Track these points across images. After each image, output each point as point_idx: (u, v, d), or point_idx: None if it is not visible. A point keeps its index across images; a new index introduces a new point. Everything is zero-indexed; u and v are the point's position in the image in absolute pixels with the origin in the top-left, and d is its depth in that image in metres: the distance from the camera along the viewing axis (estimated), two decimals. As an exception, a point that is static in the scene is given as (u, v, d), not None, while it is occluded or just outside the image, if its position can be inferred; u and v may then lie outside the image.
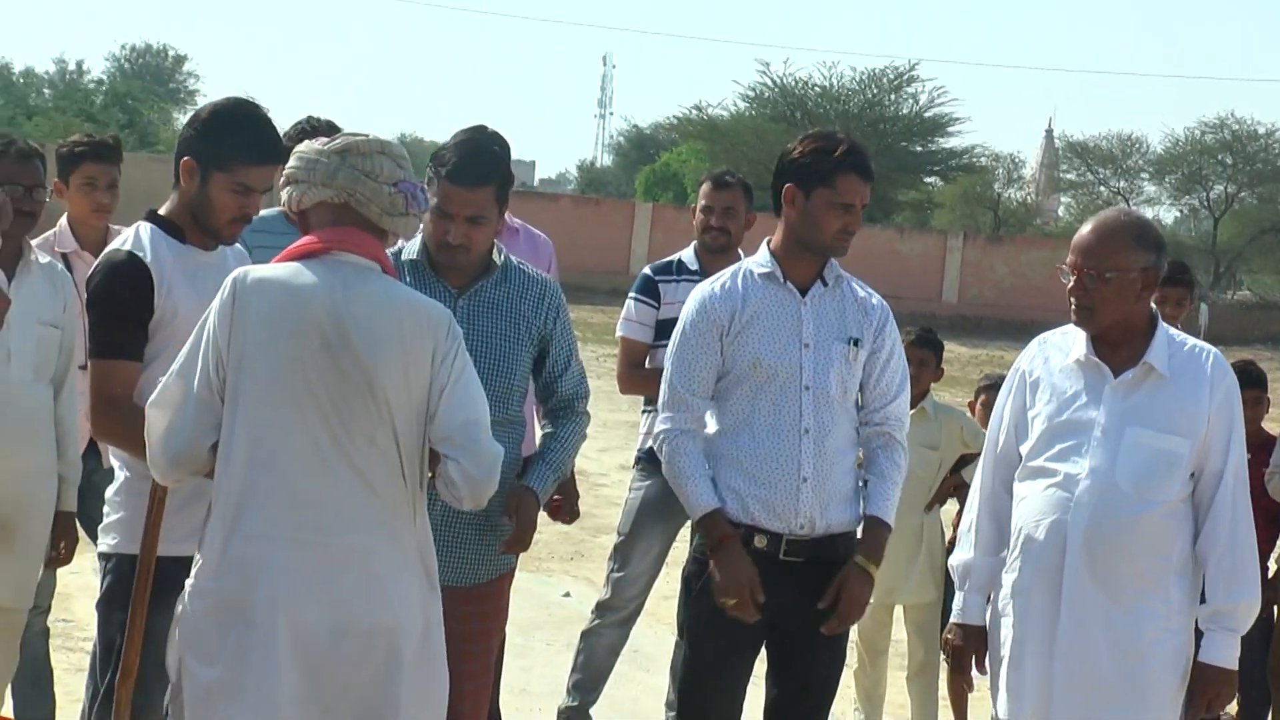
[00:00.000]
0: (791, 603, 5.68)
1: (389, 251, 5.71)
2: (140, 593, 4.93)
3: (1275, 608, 8.23)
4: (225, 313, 4.60)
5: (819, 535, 5.69)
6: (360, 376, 4.57)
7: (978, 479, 5.80)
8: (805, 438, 5.67)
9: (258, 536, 4.58)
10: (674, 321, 7.66)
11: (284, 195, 4.83)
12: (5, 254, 6.26)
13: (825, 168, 5.73)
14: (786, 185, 5.79)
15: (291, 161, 4.80)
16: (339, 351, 4.57)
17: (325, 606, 4.57)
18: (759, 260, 5.88)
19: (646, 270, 8.35)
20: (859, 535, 5.78)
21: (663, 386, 5.96)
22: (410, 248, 5.76)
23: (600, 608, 8.29)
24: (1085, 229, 5.56)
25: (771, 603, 5.66)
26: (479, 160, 5.64)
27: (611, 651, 8.29)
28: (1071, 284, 5.46)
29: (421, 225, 5.64)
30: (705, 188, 8.39)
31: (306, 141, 4.81)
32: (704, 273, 7.88)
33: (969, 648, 5.69)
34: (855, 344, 5.76)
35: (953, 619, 5.78)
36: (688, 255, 8.30)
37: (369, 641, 4.60)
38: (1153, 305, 5.59)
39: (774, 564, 5.65)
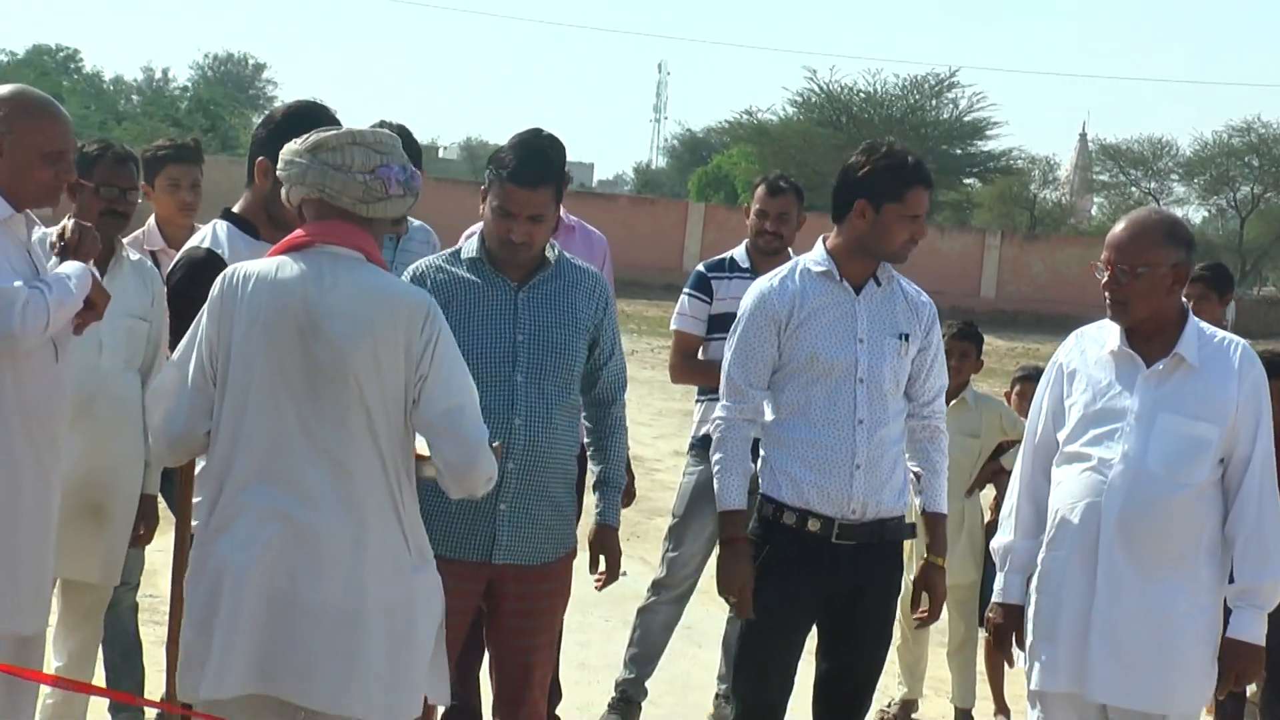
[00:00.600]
0: (842, 584, 5.73)
1: (450, 251, 5.81)
2: (179, 566, 5.04)
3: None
4: (214, 307, 4.71)
5: (869, 520, 5.70)
6: (332, 363, 4.62)
7: (1017, 466, 5.80)
8: (860, 428, 5.69)
9: (233, 512, 4.66)
10: (726, 316, 7.73)
11: (282, 195, 4.90)
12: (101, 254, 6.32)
13: (895, 183, 5.75)
14: (857, 200, 5.78)
15: (285, 152, 4.83)
16: (311, 339, 4.62)
17: (284, 581, 4.62)
18: (815, 259, 5.88)
19: (700, 267, 8.34)
20: (928, 533, 5.89)
21: (723, 377, 5.98)
22: (469, 246, 5.80)
23: (656, 586, 8.31)
24: (1119, 227, 5.56)
25: (824, 584, 5.72)
26: (537, 161, 5.65)
27: (666, 627, 8.30)
28: (1106, 279, 5.45)
29: (480, 224, 5.77)
30: (760, 192, 8.34)
31: (288, 143, 4.81)
32: (755, 271, 7.89)
33: (1009, 625, 5.68)
34: (906, 339, 5.79)
35: (994, 598, 5.77)
36: (739, 253, 8.28)
37: (321, 618, 4.62)
38: (1184, 299, 5.58)
39: (826, 546, 5.67)
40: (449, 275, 5.70)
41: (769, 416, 5.87)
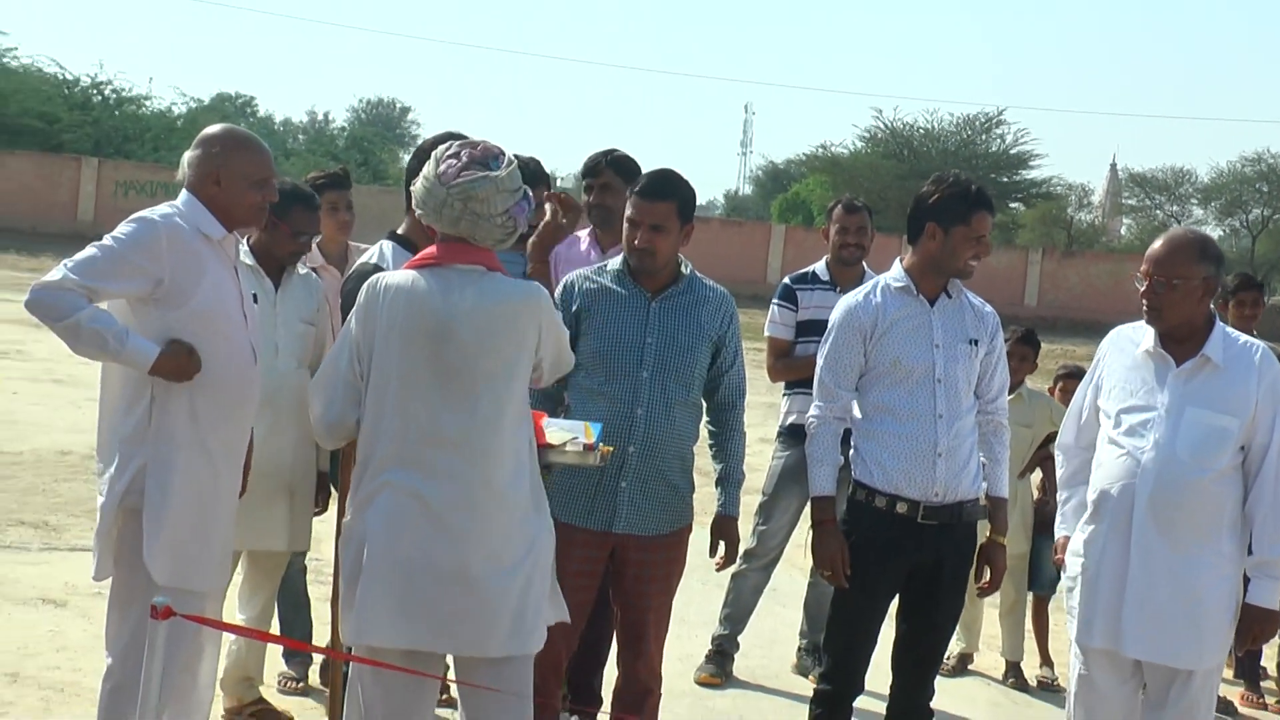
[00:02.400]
0: (925, 559, 5.73)
1: (599, 264, 5.96)
2: (339, 525, 5.05)
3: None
4: (360, 314, 4.81)
5: (950, 502, 5.69)
6: (463, 363, 4.69)
7: (1058, 446, 5.83)
8: (940, 421, 5.69)
9: (375, 486, 4.74)
10: (811, 323, 7.82)
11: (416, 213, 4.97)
12: (274, 270, 6.48)
13: (962, 209, 5.75)
14: (928, 224, 5.78)
15: (416, 187, 4.89)
16: (442, 344, 4.69)
17: (417, 550, 4.68)
18: (894, 276, 5.87)
19: (786, 280, 8.34)
20: (989, 515, 5.85)
21: (815, 380, 5.99)
22: (615, 261, 5.87)
23: (747, 555, 8.27)
24: (1157, 244, 5.54)
25: (910, 559, 5.74)
26: (661, 181, 5.77)
27: (756, 590, 8.32)
28: (1144, 289, 5.44)
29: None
30: (838, 212, 8.36)
31: (424, 169, 4.86)
32: (834, 282, 7.98)
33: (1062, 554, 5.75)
34: (974, 344, 5.79)
35: (1058, 533, 5.82)
36: (820, 267, 8.28)
37: (455, 575, 4.68)
38: (1211, 307, 5.54)
39: (913, 525, 5.67)
40: (595, 284, 5.78)
41: (858, 414, 5.86)
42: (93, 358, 4.93)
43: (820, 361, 5.97)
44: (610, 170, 6.86)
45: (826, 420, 5.89)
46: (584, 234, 6.93)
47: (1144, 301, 5.47)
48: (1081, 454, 5.72)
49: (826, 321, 7.93)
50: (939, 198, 5.79)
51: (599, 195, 6.84)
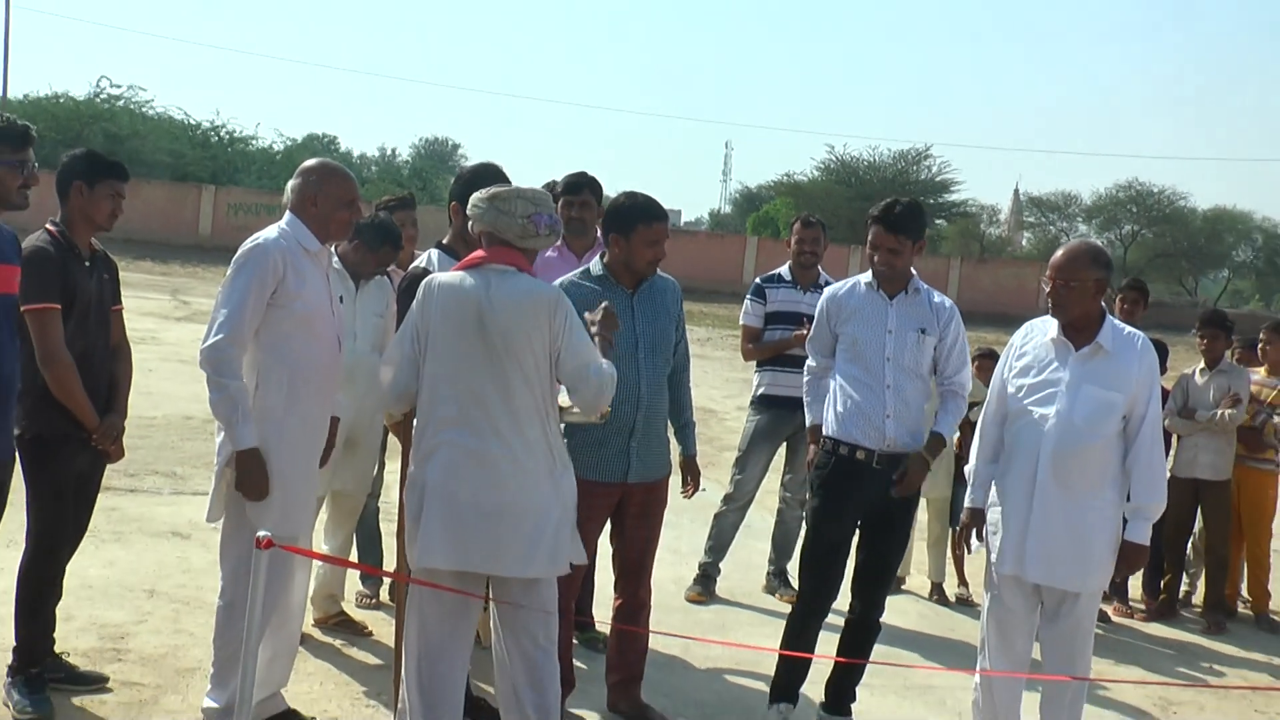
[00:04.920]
0: (878, 497, 5.74)
1: (581, 270, 5.85)
2: (403, 482, 5.03)
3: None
4: (419, 306, 4.84)
5: (897, 452, 5.70)
6: (500, 343, 4.68)
7: (982, 418, 5.74)
8: (888, 390, 5.72)
9: (433, 441, 4.76)
10: (777, 314, 7.95)
11: (469, 226, 4.99)
12: (355, 275, 6.57)
13: (868, 225, 5.83)
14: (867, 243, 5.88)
15: (470, 202, 4.92)
16: (483, 329, 4.70)
17: (468, 488, 4.70)
18: (865, 278, 5.92)
19: (757, 280, 8.35)
20: (926, 444, 5.79)
21: (808, 347, 6.23)
22: (595, 265, 5.79)
23: (726, 499, 8.32)
24: (1059, 253, 5.52)
25: (866, 496, 5.74)
26: (660, 208, 5.76)
27: (734, 527, 8.31)
28: (1049, 289, 5.43)
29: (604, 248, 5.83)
30: (797, 226, 8.38)
31: (475, 191, 4.93)
32: (795, 282, 8.08)
33: (974, 522, 5.65)
34: (924, 333, 5.78)
35: (965, 504, 5.72)
36: (784, 270, 8.29)
37: (496, 511, 4.69)
38: (1103, 303, 5.52)
39: (869, 469, 5.69)
40: (582, 288, 5.65)
41: (833, 381, 5.91)
42: (215, 414, 4.90)
43: (810, 337, 6.15)
44: (588, 191, 6.84)
45: (817, 374, 6.09)
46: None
47: (1050, 299, 5.46)
48: (997, 430, 5.63)
49: (790, 313, 8.05)
50: (880, 214, 5.83)
51: (579, 210, 6.76)
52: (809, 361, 6.14)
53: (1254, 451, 8.75)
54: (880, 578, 5.89)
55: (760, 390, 8.25)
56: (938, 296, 5.91)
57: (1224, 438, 8.73)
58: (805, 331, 7.47)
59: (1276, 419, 8.69)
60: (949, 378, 5.85)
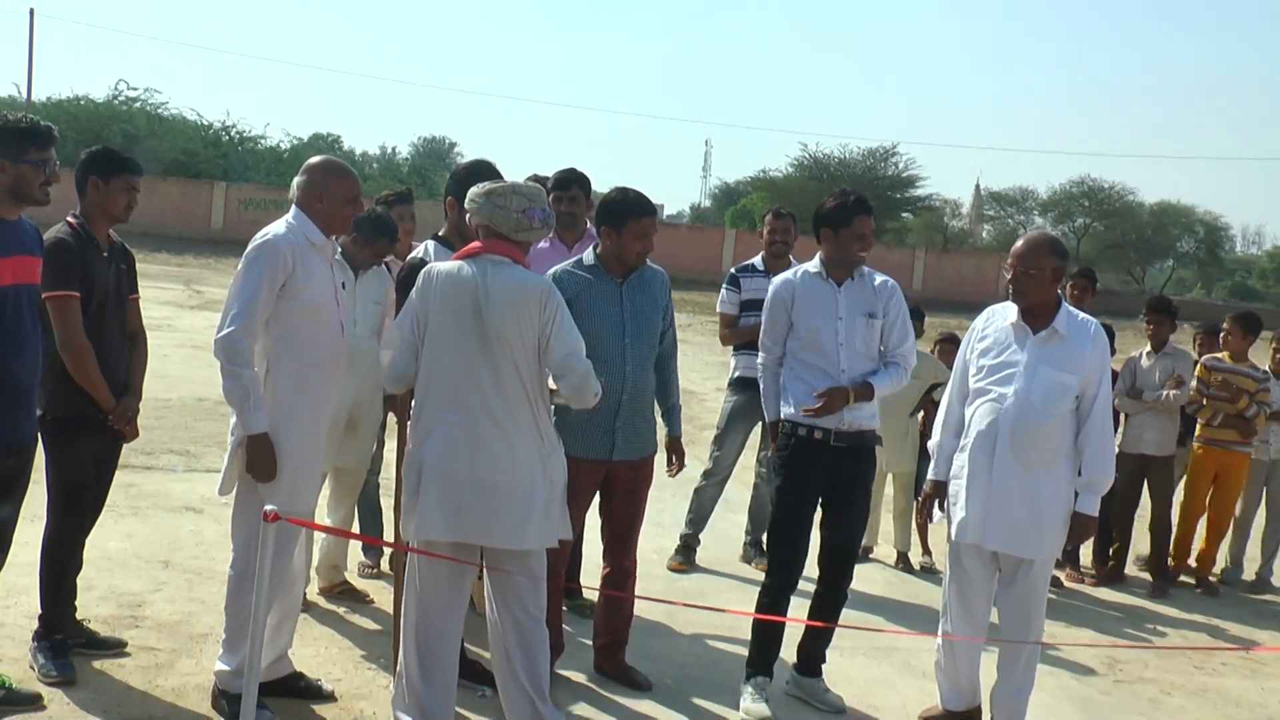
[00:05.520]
0: (838, 474, 5.68)
1: (574, 260, 5.82)
2: (400, 459, 5.06)
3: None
4: (419, 292, 4.81)
5: (853, 431, 5.64)
6: (492, 329, 4.65)
7: (946, 397, 5.76)
8: (843, 375, 5.63)
9: (430, 421, 4.75)
10: (751, 301, 7.89)
11: (467, 219, 4.96)
12: (355, 266, 6.52)
13: (845, 215, 5.70)
14: (824, 229, 5.75)
15: (467, 196, 4.90)
16: (478, 316, 4.67)
17: (464, 465, 4.68)
18: (812, 265, 5.81)
19: (732, 270, 8.31)
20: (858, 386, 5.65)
21: (760, 337, 5.99)
22: (588, 256, 5.77)
23: (705, 474, 8.32)
24: (1020, 243, 5.54)
25: (826, 473, 5.67)
26: (649, 203, 5.76)
27: (712, 500, 8.32)
28: (1010, 276, 5.46)
29: (596, 241, 5.81)
30: (769, 218, 8.38)
31: (473, 186, 4.89)
32: (768, 271, 7.98)
33: (936, 494, 5.67)
34: (872, 316, 5.69)
35: (928, 477, 5.74)
36: (757, 260, 8.26)
37: (489, 487, 4.68)
38: (1059, 291, 5.54)
39: (827, 448, 5.63)
40: (575, 276, 5.65)
41: (789, 367, 5.80)
42: (229, 400, 4.87)
43: (763, 326, 5.95)
44: (577, 186, 6.80)
45: (769, 365, 5.91)
46: None
47: (1011, 285, 5.48)
48: (960, 408, 5.64)
49: (764, 300, 7.96)
50: (827, 208, 5.78)
51: (568, 205, 6.73)
52: (762, 355, 5.96)
53: (1243, 438, 8.77)
54: (845, 552, 5.82)
55: (736, 373, 8.24)
56: (879, 278, 5.83)
57: (1168, 416, 8.78)
58: None
59: (1267, 409, 8.75)
60: (893, 349, 5.76)
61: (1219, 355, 8.91)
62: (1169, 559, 8.89)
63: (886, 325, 5.75)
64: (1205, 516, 9.01)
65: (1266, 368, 8.97)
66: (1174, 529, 8.94)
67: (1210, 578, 8.95)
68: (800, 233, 8.36)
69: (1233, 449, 8.77)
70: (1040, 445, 5.36)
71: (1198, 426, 8.86)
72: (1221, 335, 9.03)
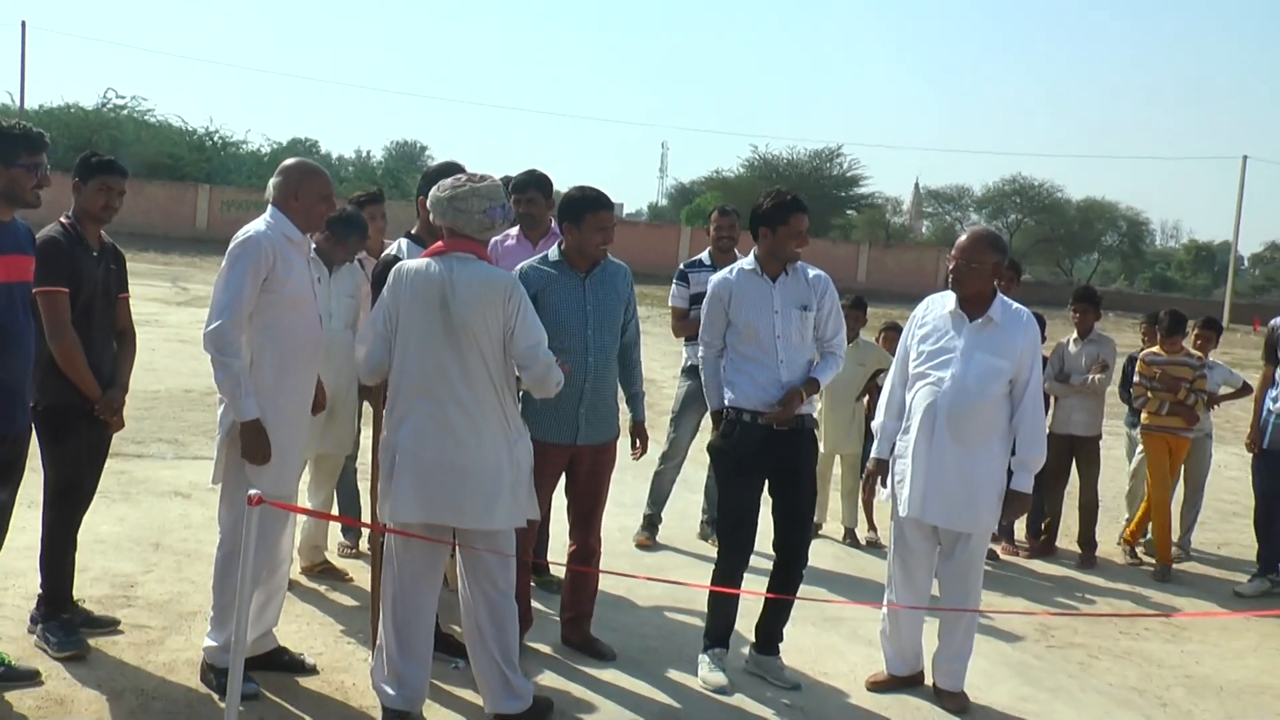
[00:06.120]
0: (781, 456, 5.63)
1: (540, 256, 5.79)
2: (376, 445, 5.06)
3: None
4: (390, 288, 4.80)
5: (793, 416, 5.59)
6: (459, 322, 4.63)
7: (888, 381, 5.77)
8: (781, 365, 5.58)
9: (403, 409, 4.73)
10: (700, 295, 7.78)
11: (431, 219, 4.95)
12: (329, 262, 6.48)
13: (783, 213, 5.64)
14: (761, 227, 5.70)
15: (430, 194, 4.87)
16: (445, 309, 4.65)
17: (434, 450, 4.66)
18: (747, 262, 5.77)
19: (681, 266, 8.22)
20: (804, 382, 5.61)
21: (700, 333, 5.94)
22: (553, 252, 5.73)
23: (663, 457, 8.32)
24: (963, 237, 5.57)
25: (771, 455, 5.62)
26: (605, 198, 5.71)
27: (671, 481, 8.33)
28: (952, 267, 5.49)
29: (561, 237, 5.77)
30: (715, 215, 8.32)
31: (434, 188, 4.85)
32: (715, 266, 7.93)
33: (879, 471, 5.69)
34: (805, 309, 5.64)
35: (872, 456, 5.76)
36: (705, 255, 8.18)
37: (459, 471, 4.66)
38: (995, 283, 5.56)
39: (769, 431, 5.57)
40: (541, 271, 5.62)
41: (730, 359, 5.74)
42: (221, 390, 4.81)
43: (702, 321, 5.91)
44: (534, 188, 6.67)
45: (709, 358, 5.88)
46: (513, 232, 6.70)
47: (951, 275, 5.50)
48: (901, 391, 5.65)
49: None
50: (766, 208, 5.71)
51: (526, 206, 6.62)
52: (703, 348, 5.91)
53: (1188, 425, 8.75)
54: (798, 526, 5.77)
55: (688, 361, 8.23)
56: (812, 272, 5.77)
57: (1094, 399, 8.83)
58: None
59: (1203, 396, 8.76)
60: (828, 340, 5.73)
61: (1155, 350, 8.94)
62: (1142, 544, 8.87)
63: (821, 318, 5.72)
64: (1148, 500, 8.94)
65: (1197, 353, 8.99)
66: (1135, 515, 9.00)
67: (1135, 548, 9.00)
68: (745, 229, 8.34)
69: (1178, 434, 8.76)
70: (976, 425, 5.39)
71: (1144, 416, 8.86)
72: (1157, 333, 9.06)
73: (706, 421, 8.27)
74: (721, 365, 5.81)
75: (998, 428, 5.44)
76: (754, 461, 5.64)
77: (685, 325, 8.09)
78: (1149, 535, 8.90)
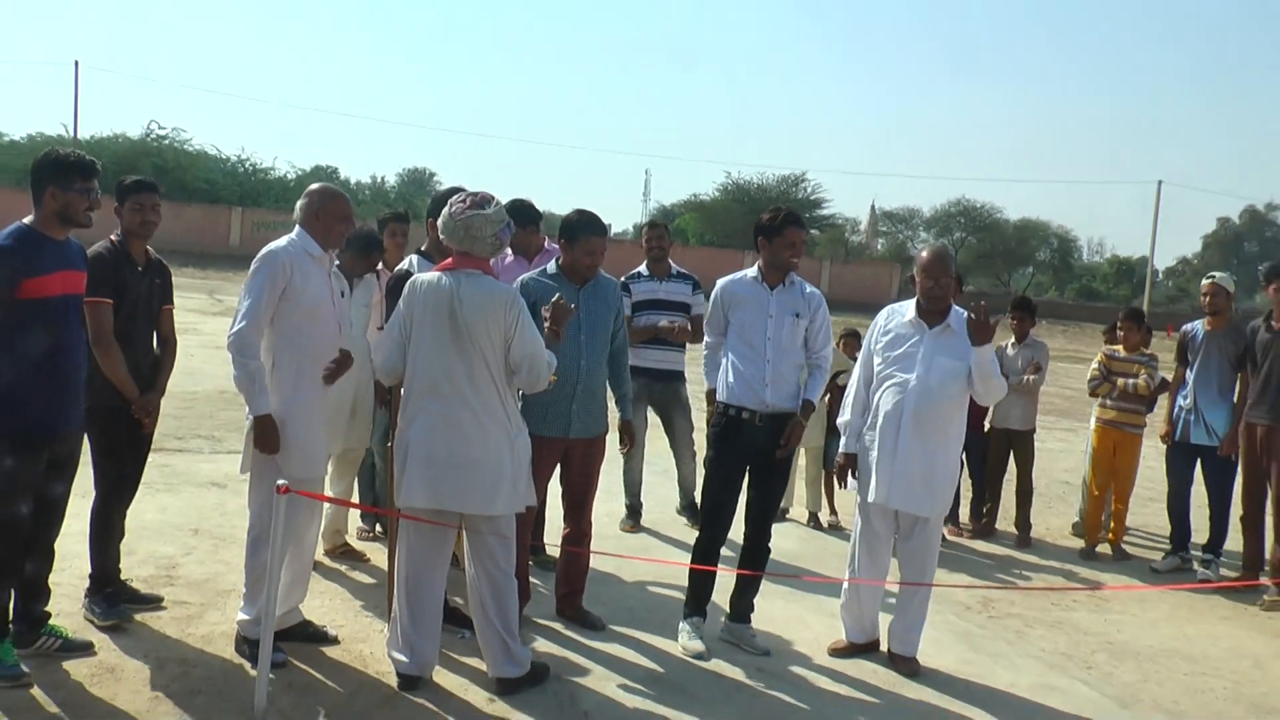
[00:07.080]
0: (761, 448, 5.64)
1: (540, 269, 5.78)
2: (392, 433, 5.03)
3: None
4: (405, 300, 4.78)
5: (774, 413, 5.60)
6: (465, 331, 4.62)
7: (852, 382, 5.77)
8: (768, 364, 5.59)
9: (415, 408, 4.71)
10: (642, 302, 7.87)
11: (441, 239, 4.90)
12: (349, 276, 6.42)
13: (778, 225, 5.66)
14: (760, 238, 5.71)
15: (440, 219, 4.84)
16: (454, 320, 4.64)
17: (443, 444, 4.65)
18: (752, 271, 5.77)
19: (622, 279, 7.81)
20: (801, 410, 5.64)
21: (704, 327, 6.01)
22: (550, 266, 5.73)
23: (621, 451, 8.18)
24: (929, 257, 5.55)
25: (752, 446, 5.63)
26: (600, 225, 5.72)
27: (638, 470, 8.20)
28: (926, 287, 5.50)
29: (558, 257, 5.75)
30: (646, 230, 8.25)
31: (445, 210, 4.81)
32: (651, 274, 7.94)
33: (847, 465, 5.70)
34: (798, 316, 5.65)
35: (840, 450, 5.76)
36: (642, 267, 8.07)
37: (465, 463, 4.65)
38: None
39: (752, 426, 5.59)
40: (541, 283, 5.62)
41: (727, 356, 5.73)
42: (238, 387, 4.79)
43: (706, 317, 5.96)
44: (523, 217, 6.55)
45: (712, 349, 5.87)
46: (508, 250, 6.64)
47: (924, 296, 5.51)
48: (865, 392, 5.65)
49: (651, 300, 7.83)
50: (764, 221, 5.73)
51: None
52: (706, 338, 5.93)
53: (1141, 403, 8.61)
54: (767, 511, 5.79)
55: (633, 362, 8.06)
56: (809, 288, 5.81)
57: (1029, 397, 8.83)
58: (668, 323, 7.61)
59: (1151, 380, 8.56)
60: (816, 352, 5.74)
61: (1115, 348, 8.93)
62: (1107, 533, 8.80)
63: (812, 330, 5.71)
64: (1112, 490, 8.80)
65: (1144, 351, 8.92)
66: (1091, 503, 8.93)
67: (1122, 545, 8.85)
68: (673, 240, 8.19)
69: (1126, 430, 8.66)
70: (937, 421, 5.41)
71: (1096, 408, 8.83)
72: (1118, 330, 9.03)
73: (654, 418, 8.23)
74: (720, 357, 5.81)
75: (955, 424, 5.48)
76: (738, 448, 5.66)
77: (631, 331, 7.97)
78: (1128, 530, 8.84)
